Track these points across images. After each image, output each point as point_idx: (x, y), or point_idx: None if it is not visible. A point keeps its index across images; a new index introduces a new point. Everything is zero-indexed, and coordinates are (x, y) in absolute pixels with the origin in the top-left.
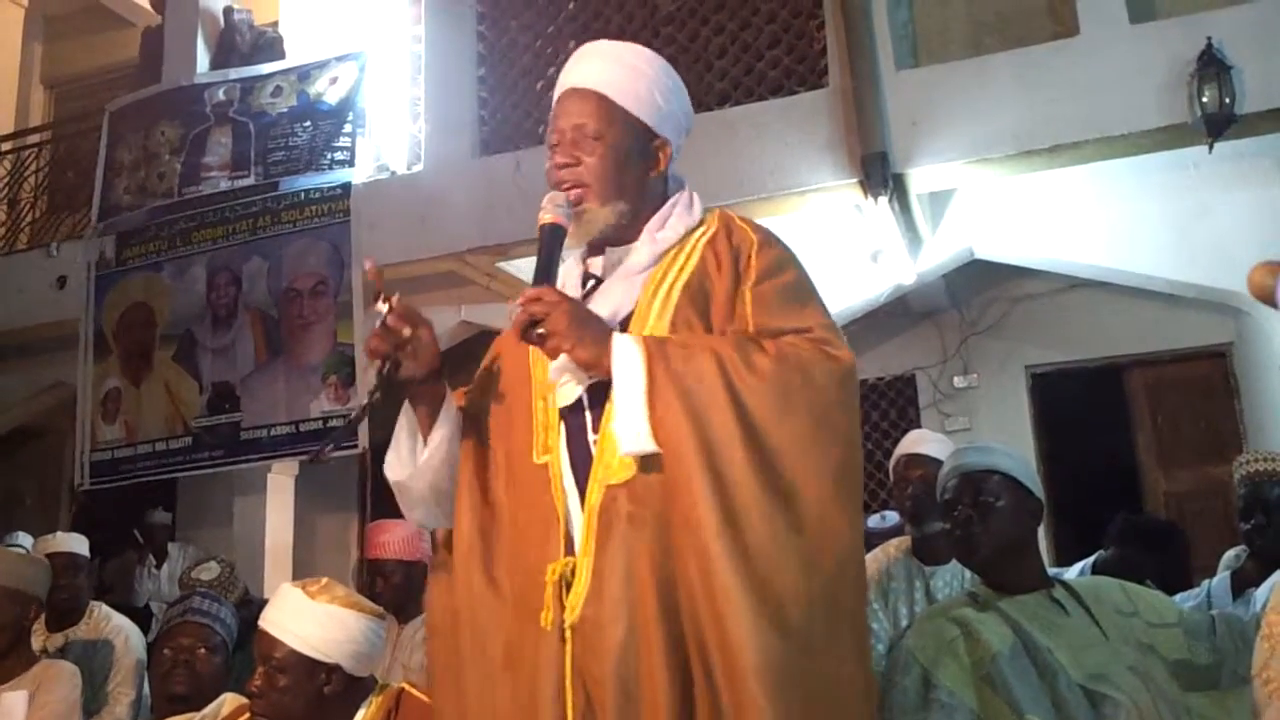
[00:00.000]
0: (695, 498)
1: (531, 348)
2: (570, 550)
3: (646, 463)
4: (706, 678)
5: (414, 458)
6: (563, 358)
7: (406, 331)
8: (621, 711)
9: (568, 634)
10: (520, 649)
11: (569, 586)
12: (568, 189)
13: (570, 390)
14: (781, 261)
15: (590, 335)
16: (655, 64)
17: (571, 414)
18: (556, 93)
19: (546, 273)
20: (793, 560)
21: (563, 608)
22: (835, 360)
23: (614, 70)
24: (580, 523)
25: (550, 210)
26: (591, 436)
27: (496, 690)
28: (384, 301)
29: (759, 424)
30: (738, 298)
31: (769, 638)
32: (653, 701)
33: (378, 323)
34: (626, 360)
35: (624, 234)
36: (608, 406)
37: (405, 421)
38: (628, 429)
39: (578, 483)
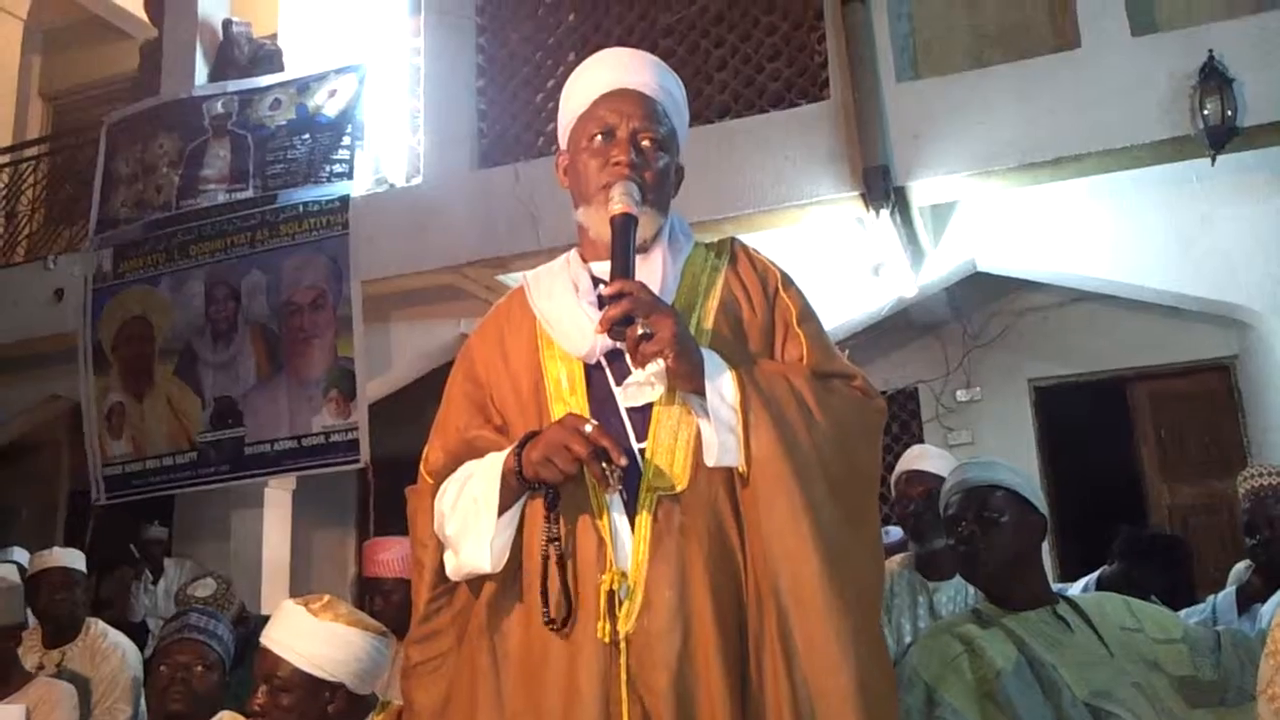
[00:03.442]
0: (795, 516)
1: (542, 344)
2: (615, 560)
3: (698, 475)
4: (791, 691)
5: (496, 545)
6: (654, 364)
7: (622, 462)
8: None
9: (622, 645)
10: (546, 658)
11: (617, 598)
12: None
13: (642, 394)
14: (810, 304)
15: (692, 347)
16: (684, 91)
17: (604, 419)
18: (597, 86)
19: (625, 265)
20: (863, 582)
21: (614, 619)
22: (879, 413)
23: (666, 86)
24: (626, 532)
25: (622, 201)
26: (637, 445)
27: (515, 701)
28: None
29: (831, 456)
30: (785, 331)
31: (860, 655)
32: (710, 714)
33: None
34: (721, 378)
35: (640, 246)
36: (656, 412)
37: (486, 507)
38: (722, 444)
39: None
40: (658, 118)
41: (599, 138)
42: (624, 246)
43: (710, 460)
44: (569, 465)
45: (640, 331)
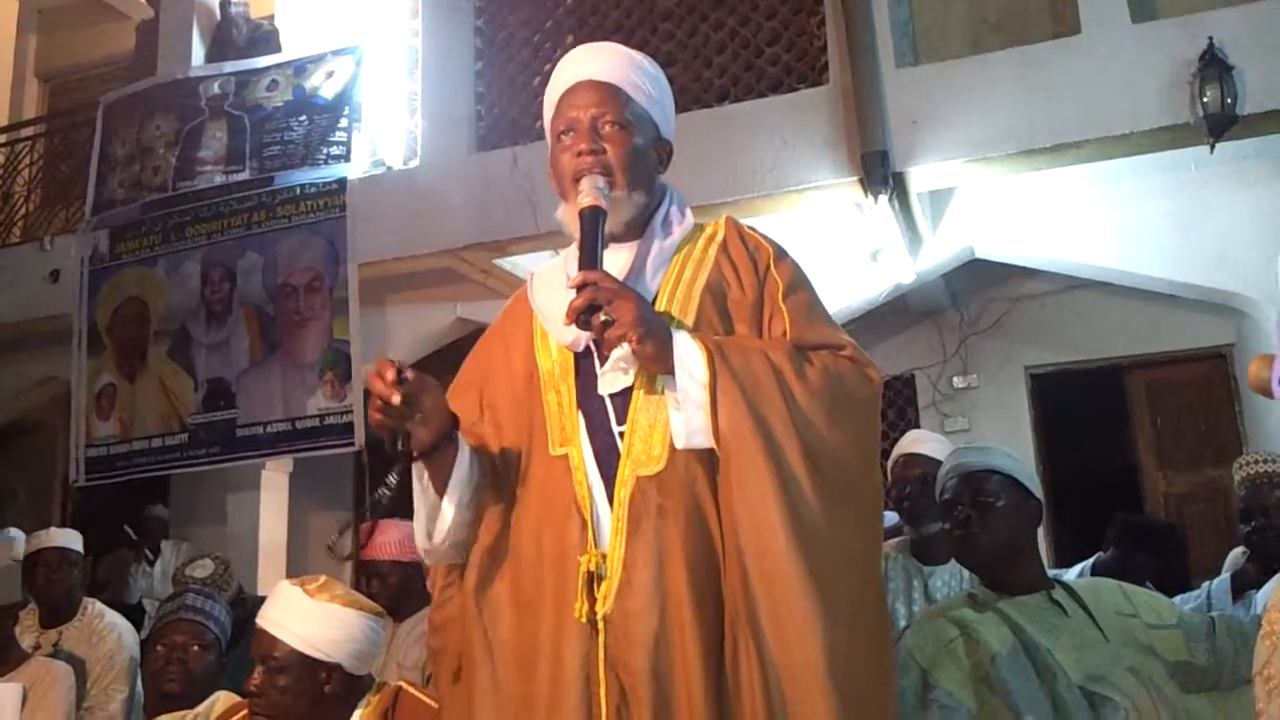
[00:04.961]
0: (764, 492)
1: (537, 337)
2: (597, 542)
3: (676, 456)
4: (761, 668)
5: (434, 526)
6: (620, 348)
7: (396, 399)
8: (656, 702)
9: (600, 625)
10: (535, 641)
11: (597, 579)
12: (596, 174)
13: (616, 380)
14: (801, 276)
15: (657, 329)
16: (657, 69)
17: (590, 405)
18: (559, 86)
19: (593, 256)
20: (845, 557)
21: (593, 599)
22: (871, 381)
23: (627, 69)
24: (607, 514)
25: (589, 193)
26: (617, 428)
27: (510, 685)
28: (394, 373)
29: (810, 430)
30: (771, 307)
31: (831, 631)
32: (687, 692)
33: (387, 396)
34: (690, 357)
35: (630, 230)
36: (636, 395)
37: (419, 488)
38: (691, 424)
39: (602, 474)
40: (618, 102)
41: (564, 135)
42: (591, 239)
43: (679, 443)
44: (382, 393)
45: (603, 319)
